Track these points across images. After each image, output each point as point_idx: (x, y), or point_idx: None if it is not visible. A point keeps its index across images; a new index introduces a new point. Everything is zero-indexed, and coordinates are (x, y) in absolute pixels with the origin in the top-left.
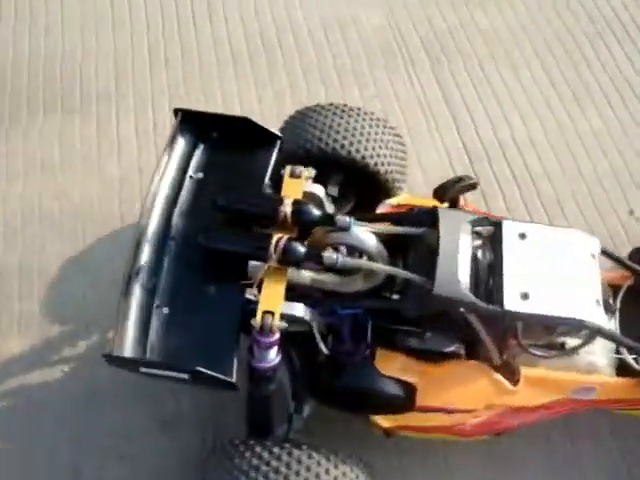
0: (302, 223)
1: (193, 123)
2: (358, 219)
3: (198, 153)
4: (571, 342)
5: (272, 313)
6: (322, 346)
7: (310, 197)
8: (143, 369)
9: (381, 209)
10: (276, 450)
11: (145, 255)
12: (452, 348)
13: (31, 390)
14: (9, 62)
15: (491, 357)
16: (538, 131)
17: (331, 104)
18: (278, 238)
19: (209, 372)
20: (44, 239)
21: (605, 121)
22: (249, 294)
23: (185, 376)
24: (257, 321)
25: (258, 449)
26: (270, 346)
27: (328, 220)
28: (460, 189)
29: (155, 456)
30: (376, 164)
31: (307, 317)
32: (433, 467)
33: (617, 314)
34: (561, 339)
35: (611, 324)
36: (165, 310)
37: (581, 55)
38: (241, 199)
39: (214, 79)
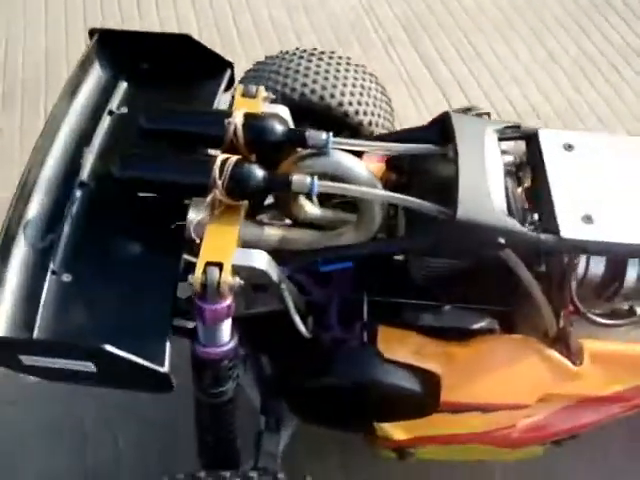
0: (259, 143)
1: (116, 47)
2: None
3: (122, 84)
4: None
5: (220, 265)
6: (301, 326)
7: None
8: (24, 358)
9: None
10: None
11: (36, 204)
12: (482, 323)
13: None
14: None
15: (538, 326)
16: (541, 103)
17: (297, 48)
18: (224, 159)
19: (123, 354)
20: None
21: (615, 88)
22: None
23: (89, 366)
24: (196, 278)
25: None
26: (219, 317)
27: (295, 139)
28: None
29: None
30: (357, 112)
31: (272, 272)
32: None
33: None
34: (625, 305)
35: None
36: (65, 277)
37: (579, 27)
38: (172, 117)
39: None
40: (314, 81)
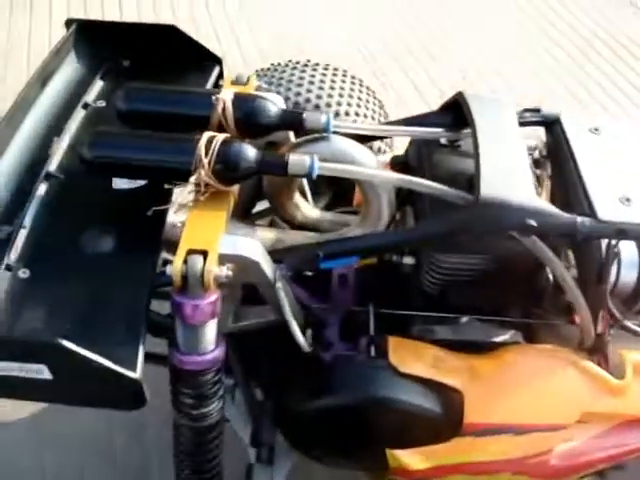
0: (251, 125)
1: (95, 38)
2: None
3: (101, 78)
4: None
5: (204, 253)
6: (299, 337)
7: None
8: None
9: None
10: None
11: None
12: (505, 336)
13: None
14: None
15: (569, 337)
16: None
17: (290, 60)
18: (211, 136)
19: (83, 351)
20: None
21: None
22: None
23: (43, 370)
24: (175, 268)
25: None
26: (202, 316)
27: (291, 121)
28: None
29: None
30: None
31: (265, 266)
32: None
33: None
34: None
35: None
36: (22, 273)
37: None
38: (153, 97)
39: None
40: (308, 90)
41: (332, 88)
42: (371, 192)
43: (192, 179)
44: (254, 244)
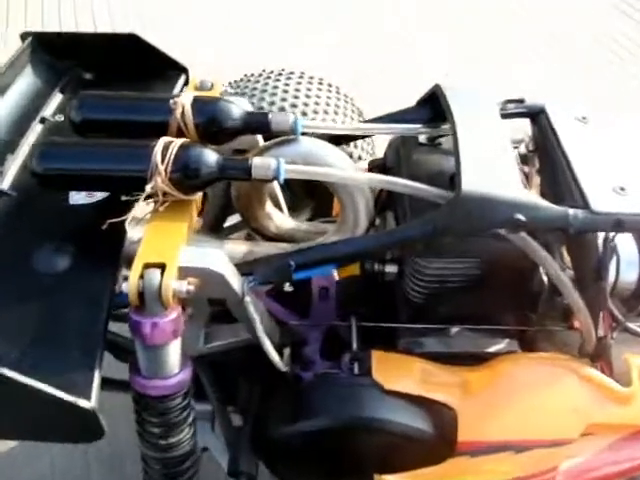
0: (213, 130)
1: (53, 51)
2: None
3: (60, 91)
4: None
5: (162, 266)
6: (273, 355)
7: None
8: None
9: None
10: None
11: None
12: (500, 346)
13: None
14: None
15: (567, 343)
16: None
17: (263, 70)
18: (168, 142)
19: (28, 381)
20: None
21: None
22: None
23: None
24: (131, 284)
25: None
26: (163, 336)
27: (256, 124)
28: None
29: None
30: None
31: (231, 279)
32: None
33: None
34: None
35: None
36: None
37: None
38: (108, 105)
39: None
40: (283, 99)
41: (307, 96)
42: (346, 196)
43: (148, 188)
44: (218, 255)
